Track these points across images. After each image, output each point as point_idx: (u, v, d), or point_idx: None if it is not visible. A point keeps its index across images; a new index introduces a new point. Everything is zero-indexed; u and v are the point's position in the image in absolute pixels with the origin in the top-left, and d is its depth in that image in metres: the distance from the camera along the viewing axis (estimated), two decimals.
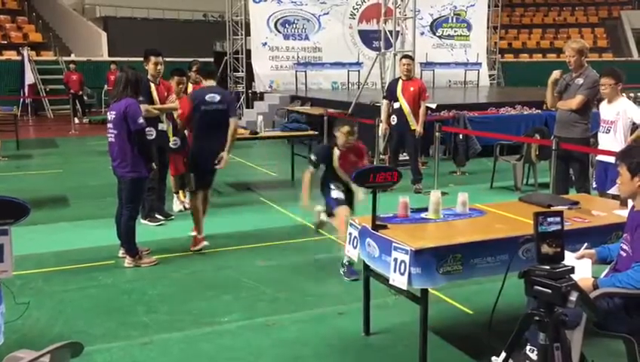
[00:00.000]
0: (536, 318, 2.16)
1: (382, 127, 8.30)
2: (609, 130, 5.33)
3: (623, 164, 2.91)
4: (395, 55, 10.51)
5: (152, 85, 6.06)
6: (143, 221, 6.12)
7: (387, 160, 8.87)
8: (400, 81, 7.89)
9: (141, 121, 4.88)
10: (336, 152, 4.91)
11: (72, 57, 19.65)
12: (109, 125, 4.93)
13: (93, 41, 20.86)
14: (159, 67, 6.10)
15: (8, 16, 21.17)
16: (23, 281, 4.54)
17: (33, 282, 4.62)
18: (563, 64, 5.86)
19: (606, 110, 5.39)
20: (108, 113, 5.00)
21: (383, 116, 8.20)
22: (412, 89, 7.77)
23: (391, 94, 8.00)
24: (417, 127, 7.73)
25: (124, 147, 4.88)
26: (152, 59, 6.09)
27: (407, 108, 7.74)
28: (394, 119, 7.90)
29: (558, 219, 2.18)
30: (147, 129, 5.55)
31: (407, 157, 8.15)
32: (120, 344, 3.64)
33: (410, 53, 9.15)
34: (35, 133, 15.05)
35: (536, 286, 2.13)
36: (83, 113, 17.17)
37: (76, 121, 16.09)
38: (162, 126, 6.26)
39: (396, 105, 7.85)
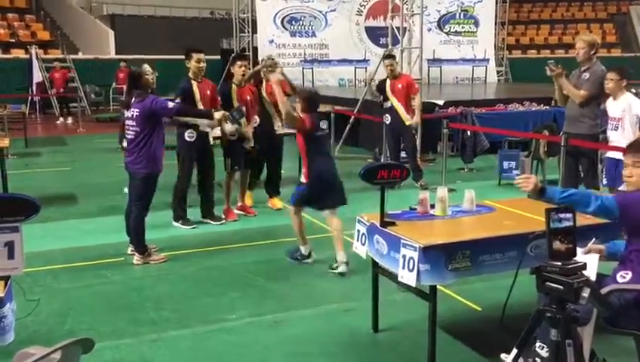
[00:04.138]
0: (548, 314, 2.15)
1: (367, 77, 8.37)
2: (617, 127, 5.29)
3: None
4: (402, 51, 10.47)
5: (194, 83, 5.92)
6: (174, 223, 6.05)
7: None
8: (388, 81, 7.89)
9: (171, 105, 5.04)
10: None
11: (80, 55, 19.71)
12: (130, 122, 4.97)
13: (101, 38, 20.90)
14: (202, 64, 6.00)
15: (16, 14, 21.25)
16: (33, 278, 4.55)
17: (42, 279, 4.64)
18: (571, 60, 5.82)
19: (612, 107, 5.36)
20: (131, 110, 4.97)
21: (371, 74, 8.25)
22: (400, 86, 7.77)
23: (381, 94, 8.03)
24: (415, 118, 7.74)
25: (141, 143, 4.91)
26: (194, 56, 5.96)
27: (399, 106, 7.72)
28: (387, 118, 7.90)
29: (569, 215, 2.17)
30: (188, 131, 5.85)
31: (406, 156, 8.08)
32: (129, 341, 3.65)
33: (392, 53, 9.06)
34: (44, 131, 15.11)
35: (548, 282, 2.12)
36: (61, 113, 16.52)
37: (60, 120, 15.88)
38: (204, 127, 5.93)
39: (387, 104, 7.87)
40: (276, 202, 6.80)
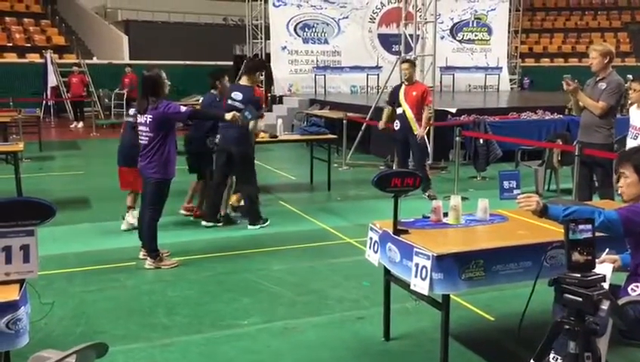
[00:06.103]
0: (567, 327, 2.13)
1: (380, 125, 8.19)
2: (637, 137, 5.24)
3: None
4: (415, 59, 10.45)
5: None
6: (250, 227, 6.26)
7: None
8: (402, 86, 7.76)
9: (184, 109, 5.12)
10: None
11: (94, 60, 19.91)
12: (143, 128, 4.99)
13: (115, 44, 21.12)
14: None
15: (32, 19, 21.52)
16: (46, 281, 4.58)
17: (56, 282, 4.67)
18: (584, 69, 5.78)
19: (635, 115, 5.31)
20: (145, 116, 4.97)
21: (383, 119, 8.10)
22: (414, 93, 7.57)
23: (393, 99, 7.89)
24: (420, 130, 7.52)
25: (155, 149, 4.93)
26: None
27: (409, 114, 7.54)
28: (397, 124, 7.73)
29: (589, 226, 2.15)
30: None
31: (413, 164, 7.96)
32: (141, 345, 3.66)
33: (410, 57, 8.94)
34: (58, 135, 15.24)
35: (567, 294, 2.09)
36: (75, 117, 16.63)
37: (74, 124, 16.09)
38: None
39: (399, 110, 7.72)
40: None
